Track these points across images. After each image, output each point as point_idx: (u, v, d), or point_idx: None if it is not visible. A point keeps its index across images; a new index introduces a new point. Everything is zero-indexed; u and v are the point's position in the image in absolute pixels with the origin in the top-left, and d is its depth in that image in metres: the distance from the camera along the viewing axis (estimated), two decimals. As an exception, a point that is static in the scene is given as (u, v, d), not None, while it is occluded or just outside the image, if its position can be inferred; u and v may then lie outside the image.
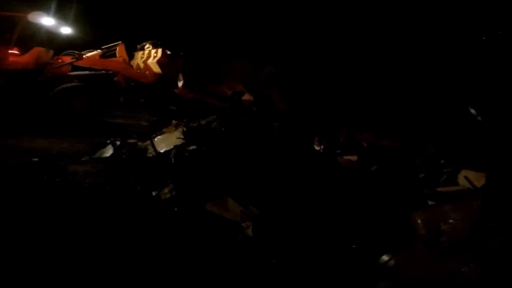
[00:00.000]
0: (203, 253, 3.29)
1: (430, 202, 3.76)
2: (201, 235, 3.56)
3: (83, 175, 4.62)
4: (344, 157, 5.80)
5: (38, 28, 6.79)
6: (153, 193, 4.47)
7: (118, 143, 5.28)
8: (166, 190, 4.48)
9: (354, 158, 5.82)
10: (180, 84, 7.55)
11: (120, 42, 7.54)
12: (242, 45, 7.91)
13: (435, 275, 2.10)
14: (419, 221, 2.32)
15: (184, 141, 5.26)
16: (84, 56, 7.24)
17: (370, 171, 4.77)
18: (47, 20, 6.91)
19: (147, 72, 7.55)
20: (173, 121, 5.83)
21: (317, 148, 6.41)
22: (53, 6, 8.16)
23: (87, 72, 7.12)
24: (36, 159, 4.83)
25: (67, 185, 4.21)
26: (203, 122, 5.72)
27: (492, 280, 2.00)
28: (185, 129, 5.49)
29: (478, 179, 3.94)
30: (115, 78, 7.17)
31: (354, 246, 3.21)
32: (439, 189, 4.12)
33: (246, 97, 6.99)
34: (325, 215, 3.79)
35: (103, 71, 7.18)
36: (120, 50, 7.47)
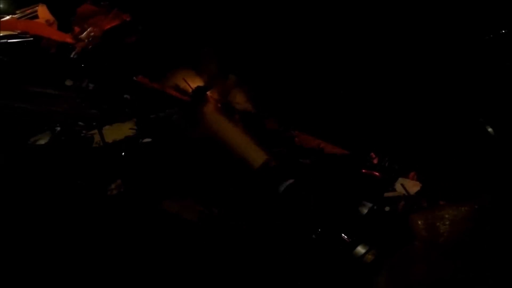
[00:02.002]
0: (154, 253, 3.10)
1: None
2: (153, 234, 3.29)
3: (10, 164, 3.88)
4: (299, 160, 5.82)
5: None
6: (97, 189, 3.91)
7: (58, 129, 4.53)
8: (113, 186, 3.93)
9: (307, 161, 5.83)
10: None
11: (40, 3, 6.45)
12: (211, 42, 7.42)
13: (434, 274, 2.17)
14: (419, 222, 2.39)
15: (137, 132, 4.66)
16: None
17: (321, 175, 4.84)
18: None
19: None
20: (126, 110, 5.18)
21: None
22: None
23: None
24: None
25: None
26: (162, 114, 5.14)
27: (492, 280, 2.07)
28: (139, 120, 4.88)
29: (411, 187, 4.42)
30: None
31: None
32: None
33: (211, 93, 6.50)
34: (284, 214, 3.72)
35: (29, 37, 6.05)
36: (42, 11, 6.39)
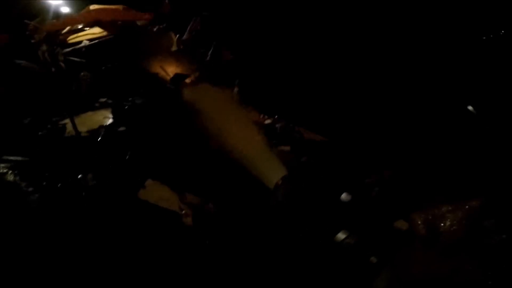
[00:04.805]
0: (139, 244, 3.05)
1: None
2: (135, 225, 3.23)
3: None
4: (279, 147, 5.73)
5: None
6: (70, 180, 3.73)
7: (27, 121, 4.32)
8: (89, 176, 3.77)
9: (287, 148, 5.82)
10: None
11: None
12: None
13: (434, 273, 2.15)
14: (418, 221, 2.39)
15: (112, 120, 4.48)
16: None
17: (300, 161, 4.94)
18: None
19: None
20: (101, 99, 4.96)
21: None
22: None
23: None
24: None
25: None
26: (138, 101, 4.95)
27: (491, 278, 2.06)
28: (114, 108, 4.68)
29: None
30: None
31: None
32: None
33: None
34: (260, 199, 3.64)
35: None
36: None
